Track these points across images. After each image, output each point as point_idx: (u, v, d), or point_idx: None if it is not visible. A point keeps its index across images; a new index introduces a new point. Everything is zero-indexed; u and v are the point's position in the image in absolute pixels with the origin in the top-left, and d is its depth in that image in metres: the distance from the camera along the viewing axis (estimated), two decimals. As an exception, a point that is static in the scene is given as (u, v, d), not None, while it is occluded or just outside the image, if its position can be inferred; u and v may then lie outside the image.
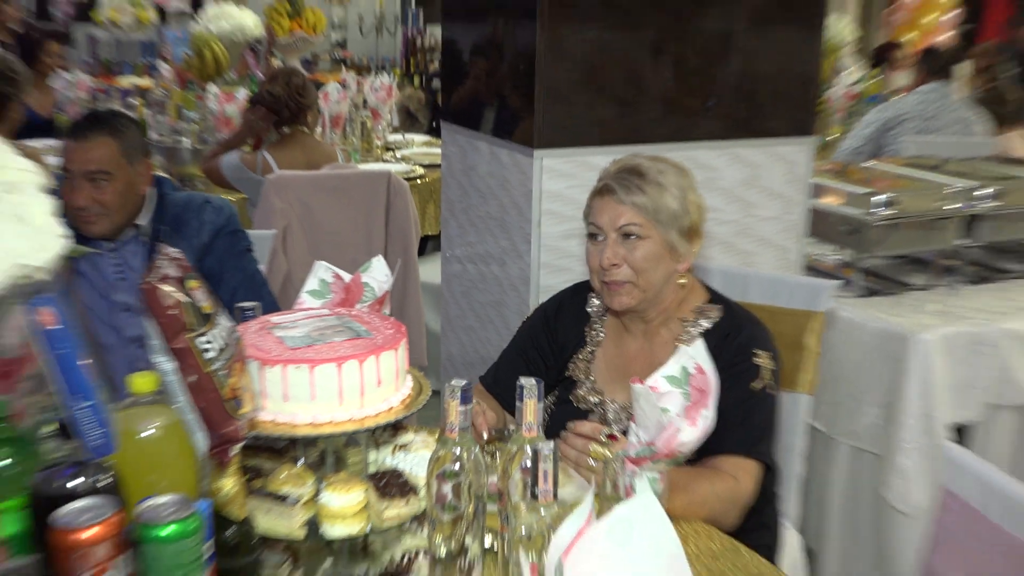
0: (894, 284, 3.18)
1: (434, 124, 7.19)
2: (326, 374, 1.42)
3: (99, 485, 1.16)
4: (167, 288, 1.24)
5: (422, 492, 1.49)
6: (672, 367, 1.55)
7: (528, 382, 1.39)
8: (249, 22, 5.44)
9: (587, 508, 1.01)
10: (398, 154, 5.29)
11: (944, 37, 9.10)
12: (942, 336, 2.78)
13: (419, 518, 1.51)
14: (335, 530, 1.45)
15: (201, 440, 1.29)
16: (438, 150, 5.42)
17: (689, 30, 2.66)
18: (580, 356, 2.12)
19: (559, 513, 1.33)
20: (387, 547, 1.58)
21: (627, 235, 1.96)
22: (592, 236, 2.02)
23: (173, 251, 1.30)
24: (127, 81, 6.35)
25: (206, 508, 1.18)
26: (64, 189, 2.39)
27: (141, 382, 1.30)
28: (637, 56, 2.61)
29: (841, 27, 7.37)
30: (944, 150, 4.34)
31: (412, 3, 9.18)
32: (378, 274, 1.77)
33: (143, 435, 1.29)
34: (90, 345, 2.37)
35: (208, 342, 1.28)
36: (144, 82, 6.23)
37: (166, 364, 1.26)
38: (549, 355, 2.15)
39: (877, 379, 2.86)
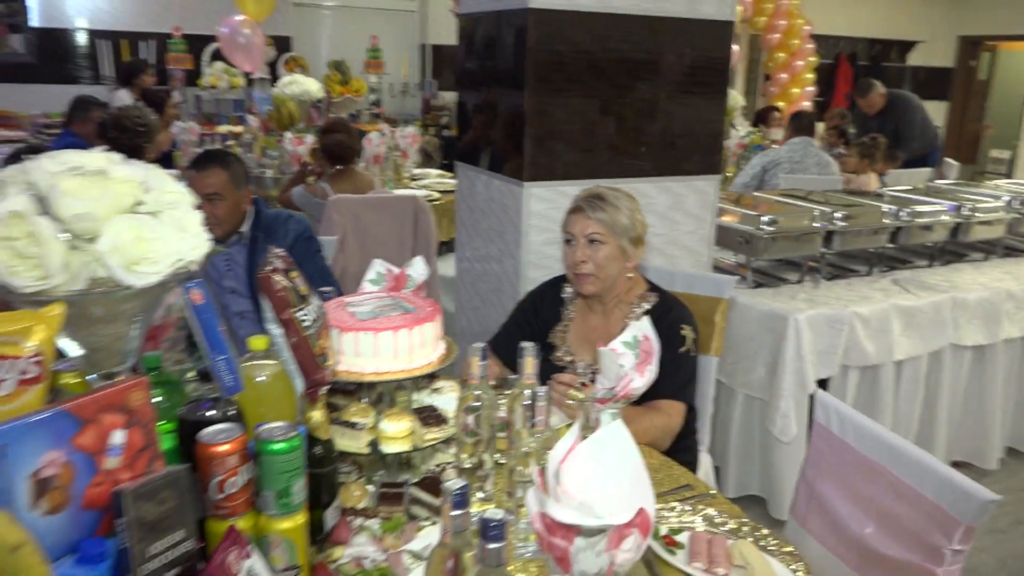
0: (775, 279, 3.20)
1: (444, 162, 7.16)
2: (385, 338, 1.44)
3: (228, 414, 1.17)
4: (277, 277, 1.25)
5: (451, 422, 1.50)
6: (627, 335, 1.57)
7: (528, 345, 1.41)
8: (313, 87, 5.39)
9: (575, 432, 1.03)
10: (420, 183, 5.26)
11: (805, 104, 9.13)
12: (809, 316, 2.80)
13: (447, 441, 1.52)
14: (390, 448, 1.47)
15: (299, 384, 1.30)
16: (448, 180, 5.43)
17: (627, 98, 2.64)
18: (558, 328, 2.12)
19: (549, 436, 1.35)
20: (425, 461, 1.58)
21: (592, 241, 1.97)
22: (567, 241, 2.02)
23: (280, 251, 1.31)
24: (224, 128, 6.27)
25: (303, 431, 1.20)
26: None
27: (258, 342, 1.31)
28: (592, 116, 2.60)
29: (734, 96, 7.41)
30: (807, 185, 4.38)
31: (428, 75, 9.12)
32: (418, 268, 1.78)
33: (258, 380, 1.30)
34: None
35: (305, 315, 1.29)
36: (236, 129, 6.16)
37: (276, 330, 1.27)
38: (535, 327, 2.14)
39: (764, 346, 2.87)
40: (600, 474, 0.96)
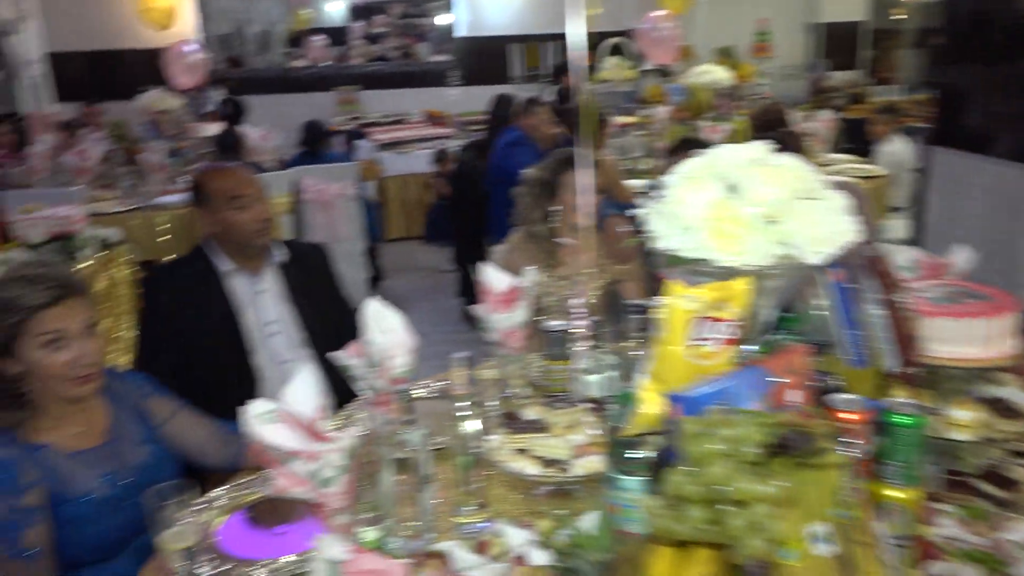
0: None
1: (846, 146, 6.78)
2: (965, 324, 1.40)
3: (838, 386, 1.27)
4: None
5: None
6: None
7: None
8: (722, 76, 5.43)
9: None
10: (833, 168, 5.02)
11: None
12: None
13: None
14: (955, 435, 1.42)
15: (890, 363, 1.34)
16: (862, 165, 5.14)
17: None
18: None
19: None
20: (976, 454, 1.54)
21: None
22: None
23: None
24: (624, 119, 6.58)
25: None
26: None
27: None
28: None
29: None
30: None
31: (820, 55, 8.73)
32: (963, 256, 1.73)
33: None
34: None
35: (901, 300, 1.33)
36: (628, 120, 6.44)
37: (874, 311, 1.33)
38: None
39: None
40: None
